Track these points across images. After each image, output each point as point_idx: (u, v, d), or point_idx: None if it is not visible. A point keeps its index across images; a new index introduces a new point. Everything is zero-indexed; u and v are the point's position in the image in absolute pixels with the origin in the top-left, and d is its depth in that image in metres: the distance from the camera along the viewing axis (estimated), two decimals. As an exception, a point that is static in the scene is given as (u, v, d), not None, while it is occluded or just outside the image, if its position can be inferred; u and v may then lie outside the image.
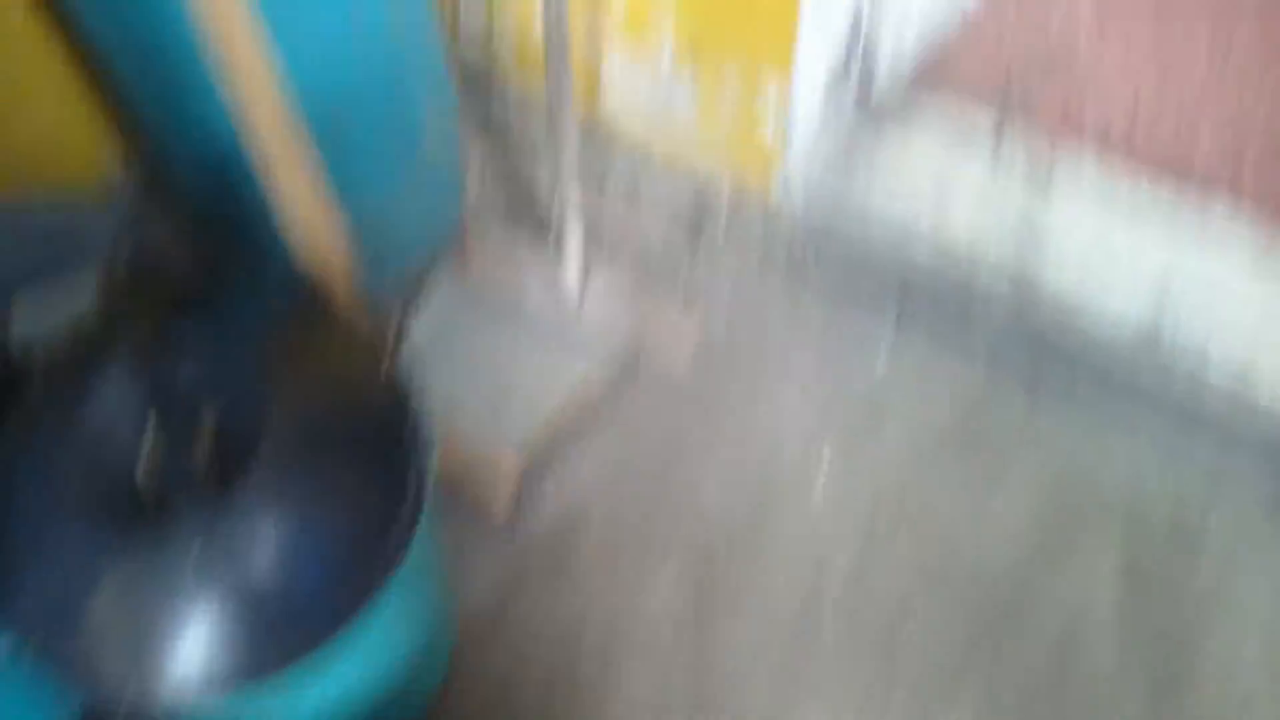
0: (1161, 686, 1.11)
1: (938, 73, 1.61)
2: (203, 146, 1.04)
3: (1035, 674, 1.12)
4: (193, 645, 0.71)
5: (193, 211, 1.16)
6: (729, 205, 1.49)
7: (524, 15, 1.49)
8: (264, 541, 0.74)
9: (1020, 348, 1.36)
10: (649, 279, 1.48)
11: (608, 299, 1.40)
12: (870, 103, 1.47)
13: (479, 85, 1.63)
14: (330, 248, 0.94)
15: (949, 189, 1.43)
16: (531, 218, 1.55)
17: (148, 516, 0.74)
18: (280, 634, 0.72)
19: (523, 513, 1.25)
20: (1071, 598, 1.17)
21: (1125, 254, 1.35)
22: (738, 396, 1.36)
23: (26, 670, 0.70)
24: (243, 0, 0.78)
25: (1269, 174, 1.46)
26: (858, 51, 1.40)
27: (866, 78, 1.44)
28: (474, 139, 1.67)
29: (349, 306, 0.96)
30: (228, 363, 0.82)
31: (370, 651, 0.81)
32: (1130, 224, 1.39)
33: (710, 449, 1.31)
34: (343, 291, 0.96)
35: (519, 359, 1.36)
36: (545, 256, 1.44)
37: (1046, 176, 1.45)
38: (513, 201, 1.59)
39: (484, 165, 1.65)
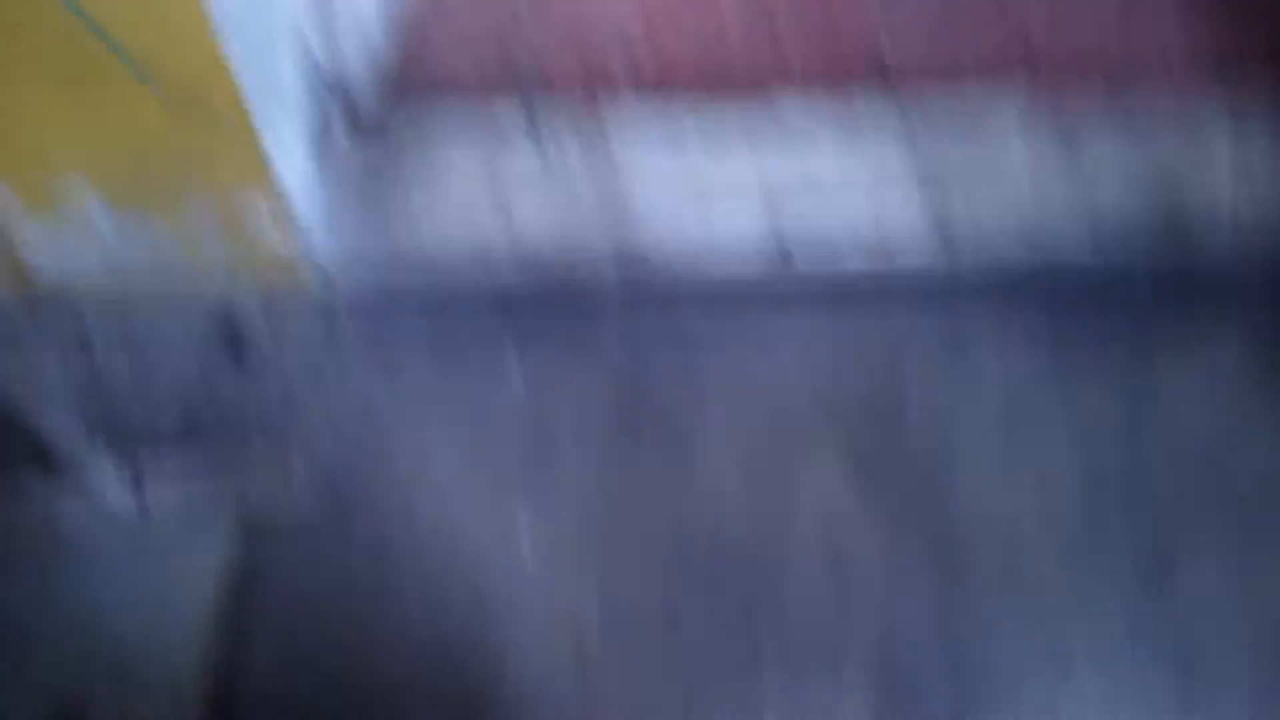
0: (934, 554, 1.09)
1: (424, 72, 1.45)
2: None
3: (821, 606, 1.06)
4: None
5: None
6: (266, 321, 1.25)
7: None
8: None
9: (648, 320, 1.27)
10: (203, 437, 1.22)
11: (174, 480, 1.15)
12: (373, 156, 1.33)
13: None
14: None
15: (502, 195, 1.31)
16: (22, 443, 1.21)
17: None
18: None
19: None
20: (812, 522, 1.12)
21: (718, 187, 1.31)
22: (388, 505, 1.16)
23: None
24: None
25: (809, 49, 1.44)
26: (336, 114, 1.27)
27: (358, 132, 1.31)
28: None
29: None
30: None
31: None
32: (707, 154, 1.34)
33: (387, 585, 1.09)
34: None
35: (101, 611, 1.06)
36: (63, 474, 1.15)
37: (600, 142, 1.36)
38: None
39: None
